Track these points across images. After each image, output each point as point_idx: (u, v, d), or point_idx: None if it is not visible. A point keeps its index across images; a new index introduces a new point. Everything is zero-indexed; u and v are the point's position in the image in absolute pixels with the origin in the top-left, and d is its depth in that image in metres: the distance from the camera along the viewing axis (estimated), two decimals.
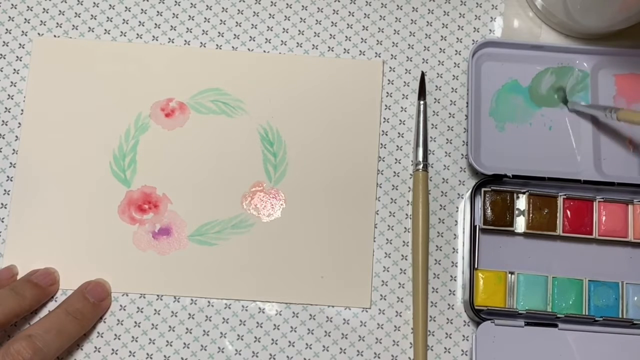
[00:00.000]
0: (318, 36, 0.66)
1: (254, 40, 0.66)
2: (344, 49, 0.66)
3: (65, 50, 0.65)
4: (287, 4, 0.67)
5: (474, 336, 0.59)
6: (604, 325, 0.60)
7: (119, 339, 0.61)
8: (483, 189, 0.62)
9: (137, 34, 0.66)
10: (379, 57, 0.66)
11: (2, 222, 0.62)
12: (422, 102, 0.65)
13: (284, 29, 0.67)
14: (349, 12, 0.67)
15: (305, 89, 0.65)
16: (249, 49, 0.66)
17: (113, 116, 0.64)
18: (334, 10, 0.67)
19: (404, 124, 0.65)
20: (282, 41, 0.66)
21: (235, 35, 0.66)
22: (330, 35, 0.67)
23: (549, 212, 0.62)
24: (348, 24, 0.67)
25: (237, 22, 0.67)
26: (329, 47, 0.66)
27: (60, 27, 0.66)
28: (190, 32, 0.66)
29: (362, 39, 0.67)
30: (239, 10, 0.67)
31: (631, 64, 0.66)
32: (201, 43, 0.66)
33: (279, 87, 0.65)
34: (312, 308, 0.62)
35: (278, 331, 0.61)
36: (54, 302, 0.61)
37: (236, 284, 0.62)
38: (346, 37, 0.67)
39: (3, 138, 0.64)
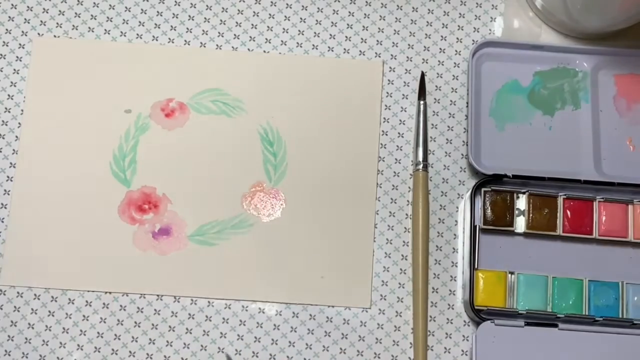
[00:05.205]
0: (318, 36, 0.66)
1: (254, 40, 0.66)
2: (344, 49, 0.66)
3: (65, 50, 0.65)
4: (287, 4, 0.67)
5: (474, 336, 0.59)
6: (604, 325, 0.60)
7: (119, 339, 0.61)
8: (483, 189, 0.62)
9: (137, 34, 0.66)
10: (379, 57, 0.66)
11: (2, 222, 0.62)
12: (422, 102, 0.65)
13: (284, 29, 0.67)
14: (349, 12, 0.67)
15: (305, 89, 0.65)
16: (249, 49, 0.66)
17: (113, 116, 0.64)
18: (334, 10, 0.67)
19: (404, 124, 0.65)
20: (282, 41, 0.66)
21: (235, 35, 0.66)
22: (330, 35, 0.67)
23: (549, 212, 0.62)
24: (348, 24, 0.67)
25: (237, 22, 0.67)
26: (329, 47, 0.66)
27: (60, 27, 0.66)
28: (190, 32, 0.66)
29: (362, 39, 0.67)
30: (239, 10, 0.67)
31: (631, 64, 0.66)
32: (201, 43, 0.66)
33: (279, 87, 0.65)
34: (312, 308, 0.61)
35: (278, 331, 0.61)
36: (55, 302, 0.61)
37: (236, 284, 0.62)
38: (346, 37, 0.67)
39: (3, 138, 0.64)
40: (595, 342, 0.60)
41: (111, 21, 0.66)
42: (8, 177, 0.63)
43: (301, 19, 0.67)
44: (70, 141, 0.64)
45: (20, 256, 0.62)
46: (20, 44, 0.66)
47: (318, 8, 0.67)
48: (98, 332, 0.61)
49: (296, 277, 0.62)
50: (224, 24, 0.67)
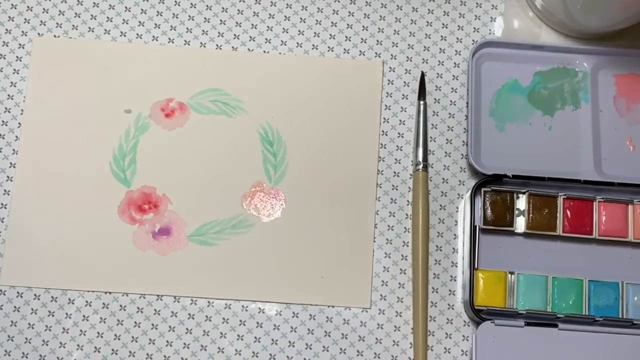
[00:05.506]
0: (318, 36, 0.66)
1: (254, 40, 0.66)
2: (344, 49, 0.66)
3: (65, 50, 0.65)
4: (287, 4, 0.67)
5: (474, 336, 0.59)
6: (604, 325, 0.60)
7: (119, 339, 0.61)
8: (483, 189, 0.62)
9: (137, 34, 0.66)
10: (379, 57, 0.66)
11: (2, 222, 0.62)
12: (422, 102, 0.65)
13: (284, 29, 0.67)
14: (349, 12, 0.67)
15: (305, 89, 0.65)
16: (249, 49, 0.66)
17: (113, 116, 0.64)
18: (334, 10, 0.67)
19: (404, 124, 0.65)
20: (282, 41, 0.66)
21: (235, 35, 0.66)
22: (330, 35, 0.67)
23: (549, 212, 0.62)
24: (348, 24, 0.67)
25: (237, 22, 0.67)
26: (329, 47, 0.66)
27: (60, 27, 0.66)
28: (190, 32, 0.66)
29: (362, 39, 0.67)
30: (239, 10, 0.67)
31: (631, 64, 0.66)
32: (201, 43, 0.66)
33: (279, 87, 0.65)
34: (312, 308, 0.61)
35: (278, 331, 0.61)
36: (54, 302, 0.61)
37: (236, 284, 0.62)
38: (346, 37, 0.67)
39: (3, 138, 0.64)
40: (595, 342, 0.60)
41: (111, 21, 0.66)
42: (8, 177, 0.63)
43: (301, 19, 0.67)
44: (70, 141, 0.64)
45: (20, 256, 0.62)
46: (20, 44, 0.66)
47: (318, 8, 0.67)
48: (98, 332, 0.61)
49: (296, 277, 0.62)
50: (224, 24, 0.67)
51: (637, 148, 0.64)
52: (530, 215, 0.62)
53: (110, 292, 0.61)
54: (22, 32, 0.66)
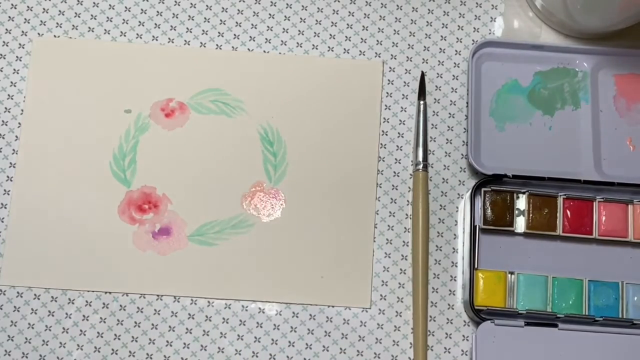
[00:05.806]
0: (318, 36, 0.66)
1: (254, 40, 0.66)
2: (344, 49, 0.66)
3: (65, 50, 0.65)
4: (287, 4, 0.67)
5: (474, 336, 0.59)
6: (604, 325, 0.60)
7: (119, 339, 0.61)
8: (483, 189, 0.62)
9: (137, 34, 0.66)
10: (379, 57, 0.66)
11: (2, 222, 0.62)
12: (422, 102, 0.65)
13: (284, 29, 0.67)
14: (349, 12, 0.67)
15: (305, 89, 0.65)
16: (249, 49, 0.66)
17: (113, 116, 0.64)
18: (334, 10, 0.67)
19: (404, 124, 0.65)
20: (282, 41, 0.66)
21: (235, 35, 0.66)
22: (330, 35, 0.67)
23: (549, 212, 0.62)
24: (348, 24, 0.67)
25: (237, 22, 0.67)
26: (329, 47, 0.66)
27: (60, 27, 0.66)
28: (190, 32, 0.66)
29: (362, 39, 0.67)
30: (239, 10, 0.67)
31: (631, 64, 0.66)
32: (201, 43, 0.66)
33: (279, 87, 0.65)
34: (312, 308, 0.61)
35: (278, 331, 0.61)
36: (54, 302, 0.61)
37: (236, 284, 0.62)
38: (346, 37, 0.67)
39: (3, 138, 0.64)
40: (595, 342, 0.60)
41: (111, 21, 0.66)
42: (8, 177, 0.63)
43: (301, 19, 0.67)
44: (70, 141, 0.64)
45: (20, 256, 0.62)
46: (20, 44, 0.66)
47: (318, 8, 0.67)
48: (98, 332, 0.61)
49: (296, 277, 0.62)
50: (224, 24, 0.67)
51: (637, 148, 0.64)
52: (530, 215, 0.62)
53: (110, 292, 0.61)
54: (22, 32, 0.66)
